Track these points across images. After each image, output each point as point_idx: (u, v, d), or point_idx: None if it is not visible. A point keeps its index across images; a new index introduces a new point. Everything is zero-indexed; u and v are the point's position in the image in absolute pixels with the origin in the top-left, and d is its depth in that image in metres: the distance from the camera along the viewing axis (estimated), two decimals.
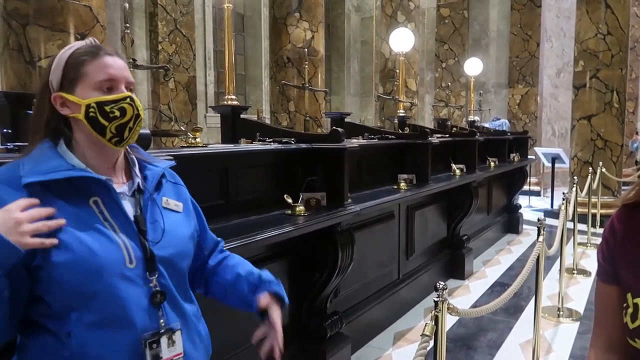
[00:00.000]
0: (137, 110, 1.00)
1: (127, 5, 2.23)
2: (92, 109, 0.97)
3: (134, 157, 1.08)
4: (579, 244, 5.27)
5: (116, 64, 0.99)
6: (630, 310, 0.90)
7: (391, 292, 3.44)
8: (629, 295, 0.91)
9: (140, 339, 0.94)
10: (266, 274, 1.18)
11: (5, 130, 1.63)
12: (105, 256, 0.91)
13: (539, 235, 2.61)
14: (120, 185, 1.02)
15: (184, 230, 1.07)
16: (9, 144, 1.57)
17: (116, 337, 0.92)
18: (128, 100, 0.99)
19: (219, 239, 1.27)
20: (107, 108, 0.97)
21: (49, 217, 0.88)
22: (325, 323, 2.57)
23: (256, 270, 1.19)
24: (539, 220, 2.67)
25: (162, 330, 0.97)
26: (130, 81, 1.01)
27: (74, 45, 1.01)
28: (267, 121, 5.85)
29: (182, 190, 1.15)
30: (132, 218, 0.98)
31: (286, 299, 1.15)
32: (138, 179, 1.04)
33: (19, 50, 3.34)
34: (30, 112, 1.80)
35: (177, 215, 1.08)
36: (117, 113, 0.97)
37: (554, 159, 7.76)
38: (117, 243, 0.94)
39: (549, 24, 10.63)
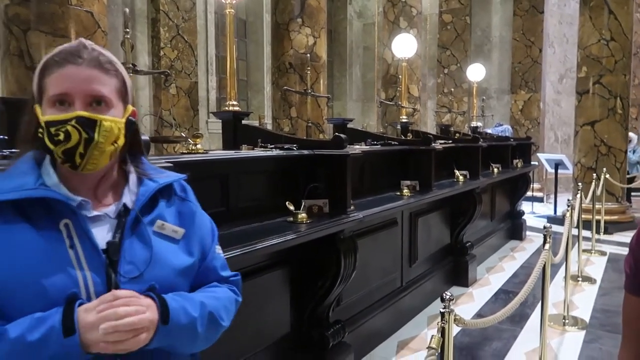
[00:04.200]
0: (91, 133, 0.84)
1: (127, 10, 2.21)
2: (41, 130, 0.86)
3: (133, 172, 0.96)
4: (584, 250, 5.22)
5: (75, 75, 0.85)
6: None
7: (394, 300, 3.40)
8: None
9: None
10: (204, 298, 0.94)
11: (1, 136, 1.59)
12: (56, 293, 0.80)
13: (545, 243, 2.56)
14: (105, 207, 0.91)
15: (174, 263, 0.91)
16: (4, 150, 1.53)
17: None
18: (73, 122, 0.83)
19: (231, 274, 1.05)
20: (53, 130, 0.84)
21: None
22: (328, 332, 2.53)
23: (210, 297, 0.96)
24: (545, 228, 2.63)
25: None
26: (95, 94, 0.86)
27: (56, 49, 0.89)
28: (269, 127, 5.83)
29: (190, 210, 0.99)
30: (102, 246, 0.86)
31: (168, 317, 0.85)
32: (126, 199, 0.92)
33: (20, 55, 3.33)
34: None
35: (171, 243, 0.93)
36: (62, 136, 0.84)
37: (557, 165, 7.72)
38: (74, 278, 0.82)
39: (552, 30, 10.62)
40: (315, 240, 2.29)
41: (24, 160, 0.89)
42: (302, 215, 2.33)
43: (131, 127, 0.93)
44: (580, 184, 5.33)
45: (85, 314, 0.78)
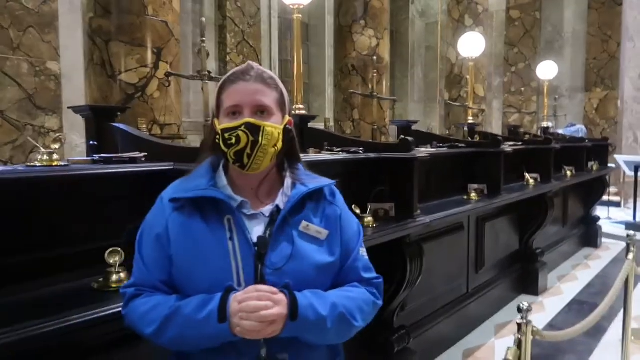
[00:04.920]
0: (256, 137, 0.99)
1: (203, 19, 2.31)
2: (217, 136, 1.03)
3: (288, 177, 1.09)
4: None
5: (244, 89, 1.02)
6: None
7: (460, 306, 3.31)
8: None
9: None
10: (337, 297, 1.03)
11: (91, 142, 1.71)
12: (216, 277, 0.96)
13: (628, 252, 2.40)
14: (262, 206, 1.05)
15: (313, 260, 1.02)
16: (95, 155, 1.64)
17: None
18: (243, 127, 1.00)
19: (373, 277, 1.12)
20: (227, 135, 1.01)
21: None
22: (393, 337, 2.50)
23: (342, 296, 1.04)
24: (628, 236, 2.47)
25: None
26: (260, 104, 1.02)
27: (230, 71, 1.07)
28: (331, 129, 5.87)
29: (336, 213, 1.09)
30: (254, 240, 0.99)
31: (297, 313, 0.95)
32: (279, 201, 1.05)
33: (102, 65, 3.57)
34: (114, 124, 1.90)
35: (313, 242, 1.03)
36: (233, 140, 1.00)
37: (638, 167, 7.20)
38: (230, 265, 0.98)
39: (632, 22, 9.90)
40: (380, 244, 2.27)
41: (203, 165, 1.08)
42: (369, 219, 2.32)
43: (288, 134, 1.07)
44: None
45: (233, 302, 0.93)
